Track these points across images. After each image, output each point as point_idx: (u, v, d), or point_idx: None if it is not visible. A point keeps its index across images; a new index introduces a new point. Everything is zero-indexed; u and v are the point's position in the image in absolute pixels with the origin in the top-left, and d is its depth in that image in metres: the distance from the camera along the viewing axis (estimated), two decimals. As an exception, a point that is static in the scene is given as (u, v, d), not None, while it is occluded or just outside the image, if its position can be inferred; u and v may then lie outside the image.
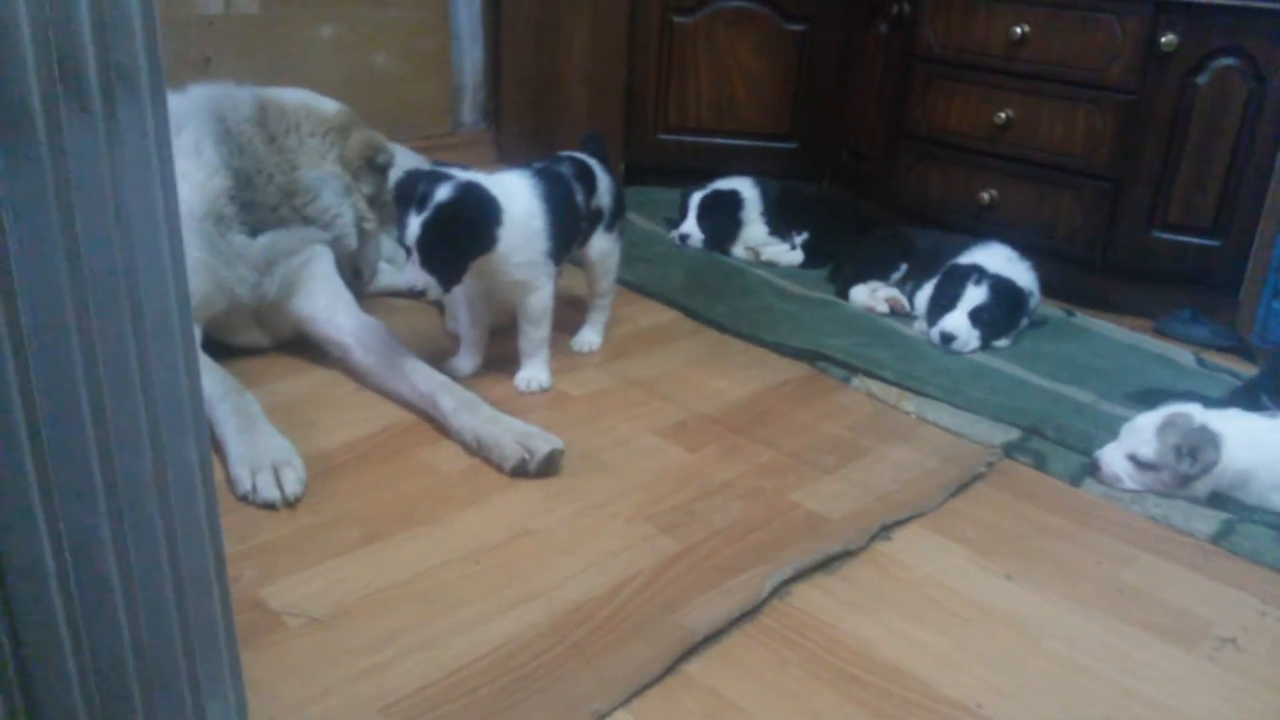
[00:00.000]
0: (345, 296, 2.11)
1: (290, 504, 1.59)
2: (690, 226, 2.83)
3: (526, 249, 1.95)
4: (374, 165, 2.23)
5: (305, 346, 2.13)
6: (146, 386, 0.75)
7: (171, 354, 0.79)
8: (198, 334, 1.94)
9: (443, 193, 1.82)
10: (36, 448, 0.65)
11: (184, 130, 1.97)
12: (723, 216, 2.83)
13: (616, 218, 2.21)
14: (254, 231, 2.02)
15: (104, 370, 0.71)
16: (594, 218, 2.14)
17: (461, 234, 1.84)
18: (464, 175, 1.88)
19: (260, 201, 2.04)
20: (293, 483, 1.59)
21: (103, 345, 0.71)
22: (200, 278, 1.92)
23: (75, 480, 0.70)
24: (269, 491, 1.58)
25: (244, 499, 1.59)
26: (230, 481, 1.62)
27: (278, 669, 1.27)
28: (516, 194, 1.95)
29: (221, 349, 2.04)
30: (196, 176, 1.95)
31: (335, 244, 2.18)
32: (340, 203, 2.16)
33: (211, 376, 1.79)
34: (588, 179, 2.11)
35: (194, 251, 1.90)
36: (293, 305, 2.09)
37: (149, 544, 0.77)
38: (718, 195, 2.84)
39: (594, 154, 2.20)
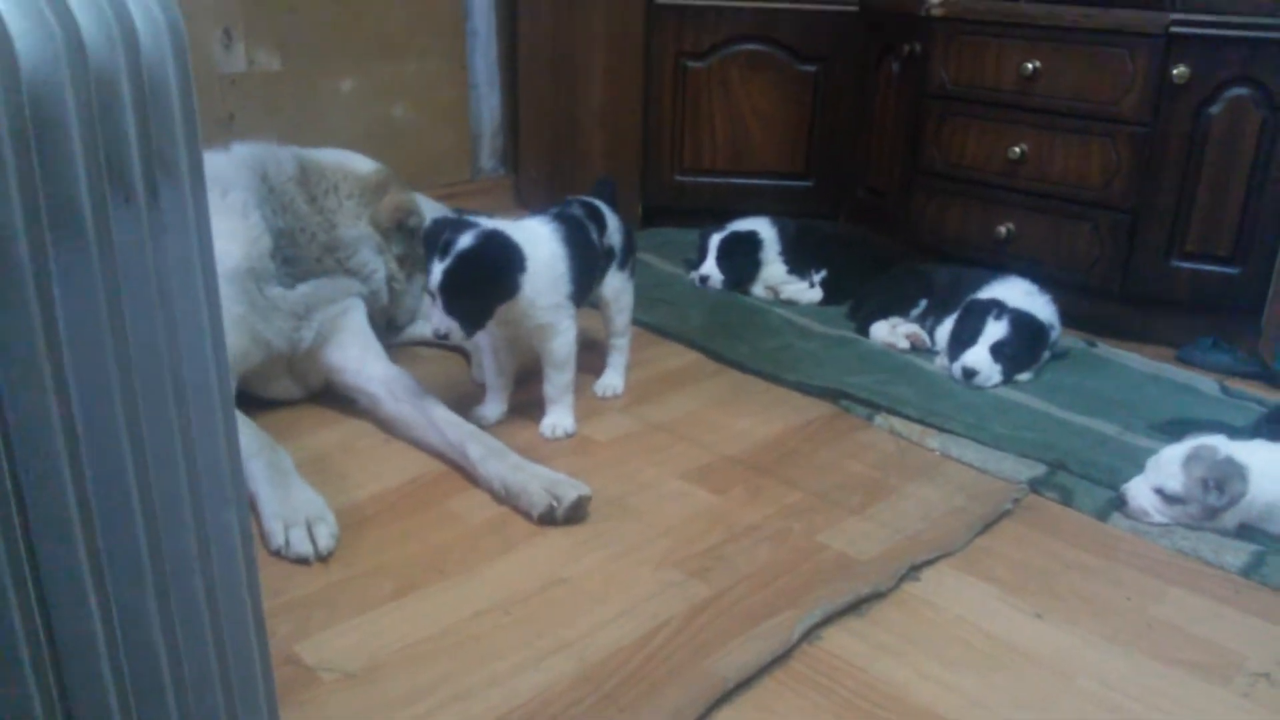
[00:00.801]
0: (376, 347, 2.16)
1: (323, 558, 1.61)
2: (710, 268, 2.86)
3: (552, 292, 1.99)
4: (404, 227, 2.30)
5: (334, 398, 2.17)
6: (189, 461, 0.78)
7: (213, 427, 0.81)
8: (233, 387, 1.98)
9: (465, 240, 1.86)
10: (87, 527, 0.68)
11: (231, 191, 2.04)
12: (742, 257, 2.85)
13: (628, 256, 2.24)
14: (294, 282, 2.08)
15: (149, 448, 0.73)
16: (607, 257, 2.18)
17: (483, 280, 1.88)
18: (487, 223, 1.92)
19: (303, 256, 2.11)
20: (325, 538, 1.62)
21: (148, 423, 0.73)
22: (238, 333, 1.97)
23: (123, 556, 0.72)
24: (302, 546, 1.60)
25: (277, 554, 1.61)
26: (264, 536, 1.64)
27: (315, 725, 1.29)
28: (540, 239, 1.99)
29: (254, 401, 2.08)
30: (243, 236, 2.01)
31: (370, 298, 2.24)
32: (377, 259, 2.25)
33: (246, 433, 1.82)
34: (598, 220, 2.15)
35: (234, 307, 1.96)
36: (325, 354, 2.13)
37: (193, 614, 0.79)
38: (736, 236, 2.86)
39: (602, 196, 2.24)
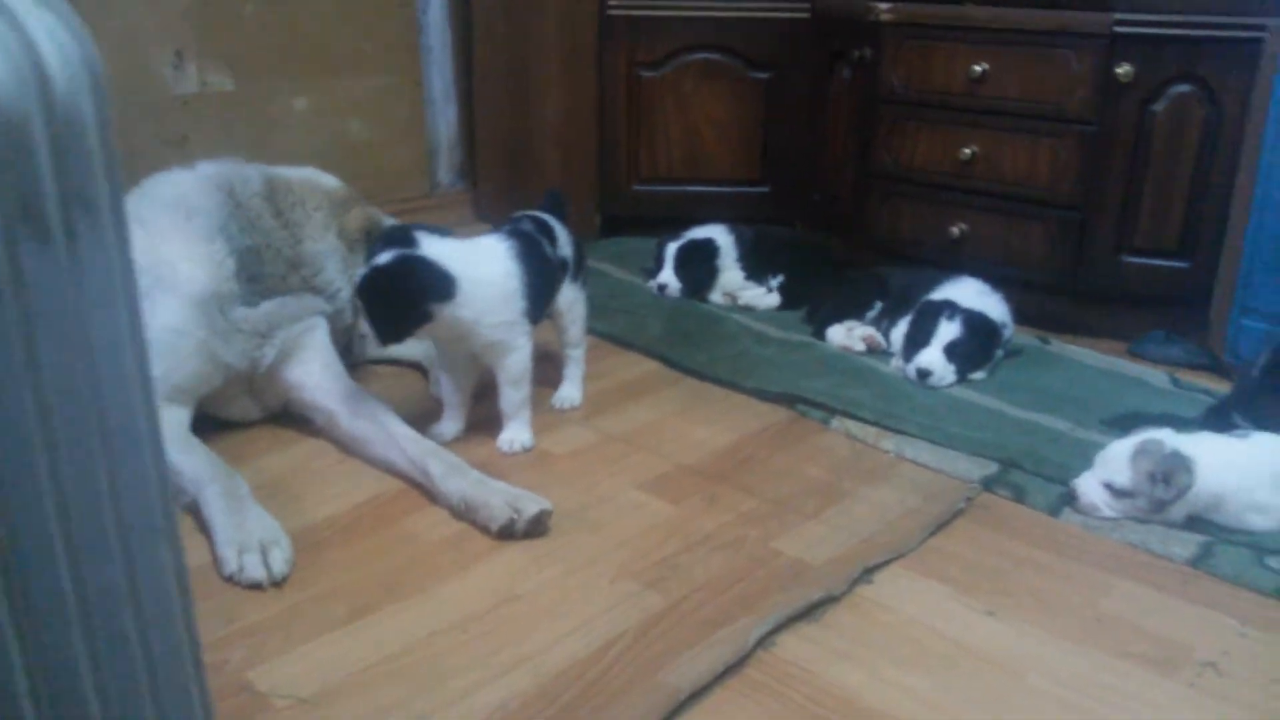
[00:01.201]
0: (337, 365, 2.16)
1: (277, 583, 1.60)
2: (668, 276, 2.87)
3: (504, 310, 1.98)
4: (370, 240, 2.29)
5: (289, 419, 2.16)
6: (115, 499, 0.78)
7: (141, 464, 0.81)
8: (189, 414, 1.98)
9: (383, 259, 1.88)
10: (5, 570, 0.68)
11: (196, 216, 2.03)
12: (699, 266, 2.87)
13: (579, 268, 2.25)
14: (258, 300, 2.08)
15: (70, 489, 0.73)
16: (561, 270, 2.18)
17: (389, 303, 1.89)
18: (430, 241, 1.93)
19: (268, 273, 2.11)
20: (280, 562, 1.61)
21: (69, 466, 0.73)
22: (199, 358, 1.97)
23: (46, 597, 0.72)
24: (256, 571, 1.59)
25: (230, 579, 1.61)
26: (217, 562, 1.64)
27: (269, 752, 1.29)
28: (491, 257, 1.99)
29: (210, 423, 2.07)
30: (207, 260, 2.00)
31: (334, 317, 2.24)
32: (341, 276, 2.25)
33: (202, 459, 1.81)
34: (549, 234, 2.16)
35: (196, 332, 1.96)
36: (286, 372, 2.12)
37: (123, 654, 0.79)
38: (694, 244, 2.88)
39: (551, 209, 2.25)
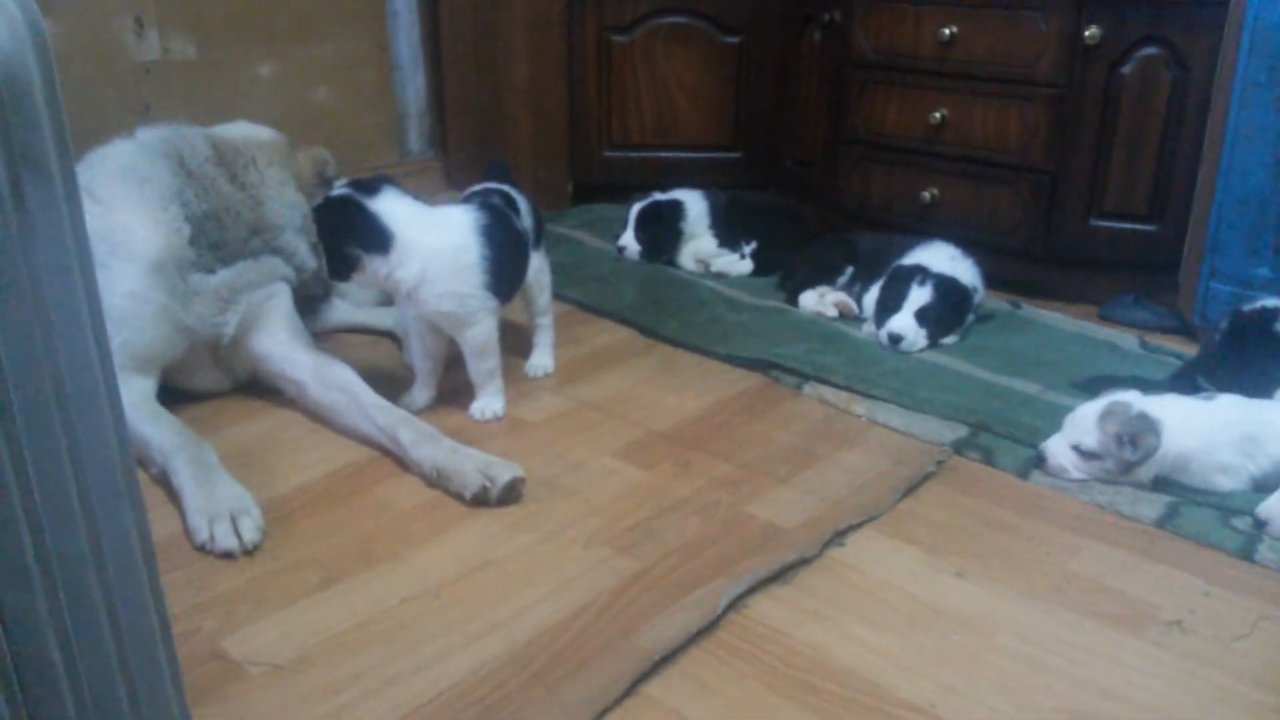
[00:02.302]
0: (304, 335, 2.15)
1: (249, 552, 1.60)
2: (627, 238, 2.86)
3: (454, 282, 1.95)
4: (324, 178, 2.30)
5: (258, 390, 2.15)
6: (75, 462, 0.77)
7: (100, 428, 0.80)
8: (155, 383, 1.96)
9: (333, 193, 1.97)
10: (-34, 536, 0.67)
11: (148, 183, 2.00)
12: (660, 227, 2.84)
13: (539, 236, 2.24)
14: (219, 266, 2.06)
15: (29, 452, 0.72)
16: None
17: (321, 234, 1.96)
18: (387, 198, 1.93)
19: (230, 239, 2.09)
20: (250, 531, 1.60)
21: (26, 427, 0.72)
22: (160, 323, 1.95)
23: (8, 560, 0.71)
24: (227, 541, 1.58)
25: (201, 549, 1.60)
26: (188, 532, 1.63)
27: None
28: (449, 228, 1.97)
29: (179, 394, 2.05)
30: (163, 227, 1.98)
31: (297, 283, 2.22)
32: (299, 237, 2.22)
33: (169, 428, 1.80)
34: (513, 205, 2.14)
35: (156, 297, 1.95)
36: (252, 342, 2.10)
37: (88, 617, 0.79)
38: (656, 205, 2.86)
39: (502, 178, 2.24)
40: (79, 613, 0.78)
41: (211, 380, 2.13)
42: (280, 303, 2.15)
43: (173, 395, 2.01)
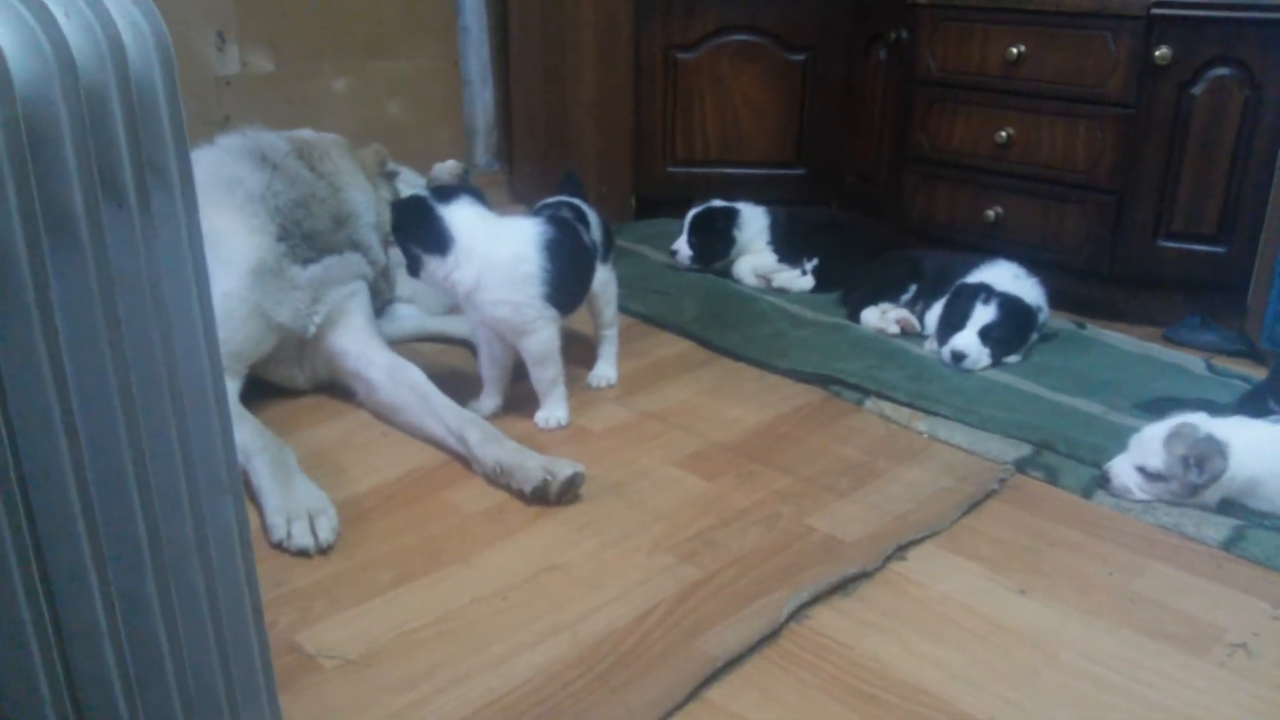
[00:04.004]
0: (380, 335, 2.23)
1: (323, 551, 1.65)
2: (680, 243, 2.89)
3: (509, 291, 2.01)
4: (386, 171, 2.42)
5: (333, 391, 2.22)
6: (185, 453, 0.81)
7: (207, 420, 0.85)
8: (240, 385, 2.04)
9: (411, 194, 2.08)
10: (88, 518, 0.71)
11: (237, 186, 2.08)
12: (713, 233, 2.87)
13: (609, 250, 2.28)
14: (308, 261, 2.13)
15: (146, 441, 0.77)
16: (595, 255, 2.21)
17: (392, 229, 2.05)
18: (459, 205, 2.01)
19: (319, 229, 2.16)
20: (326, 531, 1.66)
21: (145, 418, 0.77)
22: (251, 323, 2.03)
23: (124, 545, 0.76)
24: (304, 539, 1.64)
25: (279, 546, 1.65)
26: (266, 529, 1.68)
27: (316, 711, 1.33)
28: (512, 239, 2.02)
29: (258, 392, 2.13)
30: (257, 225, 2.07)
31: (373, 281, 2.31)
32: (373, 233, 2.31)
33: (251, 430, 1.86)
34: (583, 219, 2.18)
35: (250, 296, 2.03)
36: (330, 338, 2.17)
37: (192, 601, 0.83)
38: (711, 211, 2.89)
39: (574, 192, 2.28)
40: (183, 596, 0.82)
41: (291, 377, 2.20)
42: (360, 301, 2.22)
43: (251, 396, 2.07)
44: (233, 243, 2.01)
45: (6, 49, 0.64)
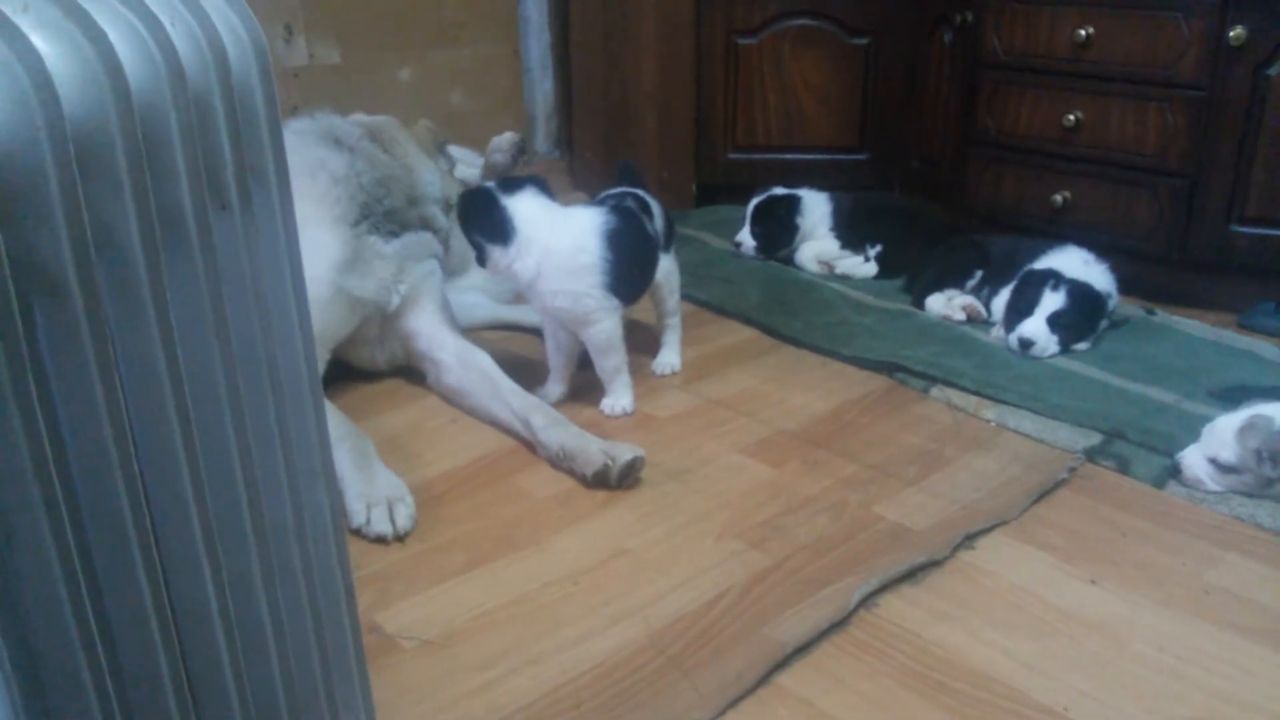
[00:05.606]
0: (451, 320, 2.27)
1: (400, 538, 1.69)
2: (744, 234, 2.89)
3: (570, 281, 2.03)
4: (440, 145, 2.53)
5: (406, 375, 2.28)
6: (285, 442, 0.85)
7: (303, 411, 0.88)
8: (323, 368, 2.09)
9: (478, 185, 2.14)
10: (200, 503, 0.75)
11: (320, 169, 2.13)
12: (775, 222, 2.86)
13: (671, 239, 2.29)
14: (391, 236, 2.19)
15: (250, 432, 0.80)
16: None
17: (460, 218, 2.08)
18: (523, 196, 2.04)
19: (396, 207, 2.21)
20: (404, 518, 1.70)
21: (249, 409, 0.80)
22: (335, 305, 2.09)
23: (231, 528, 0.79)
24: (382, 525, 1.68)
25: (357, 531, 1.70)
26: (346, 515, 1.73)
27: (396, 689, 1.37)
28: (572, 229, 2.04)
29: (337, 372, 2.19)
30: (341, 208, 2.12)
31: (443, 251, 2.37)
32: (438, 208, 2.36)
33: (333, 418, 1.90)
34: (647, 210, 2.20)
35: (335, 278, 2.08)
36: (405, 317, 2.22)
37: (291, 582, 0.87)
38: (772, 200, 2.88)
39: (634, 182, 2.30)
40: (284, 577, 0.86)
41: (370, 355, 2.26)
42: (435, 283, 2.27)
43: (329, 380, 2.13)
44: (315, 227, 2.06)
45: (124, 59, 0.67)
